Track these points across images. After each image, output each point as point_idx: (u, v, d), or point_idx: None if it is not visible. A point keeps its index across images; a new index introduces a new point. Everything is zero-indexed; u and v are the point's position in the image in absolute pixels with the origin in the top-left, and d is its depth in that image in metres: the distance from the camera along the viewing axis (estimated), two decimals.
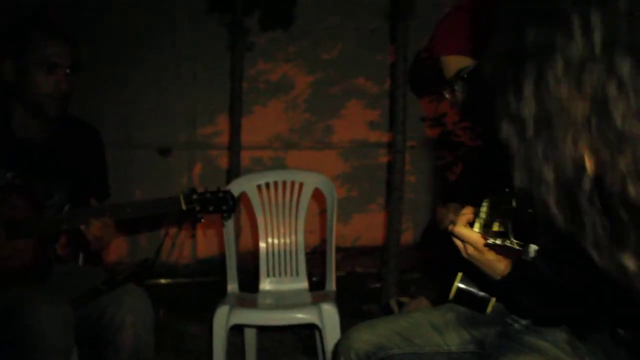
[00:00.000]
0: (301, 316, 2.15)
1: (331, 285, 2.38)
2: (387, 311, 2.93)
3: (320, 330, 2.13)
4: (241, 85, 3.17)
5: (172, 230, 1.81)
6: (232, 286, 2.41)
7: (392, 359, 1.45)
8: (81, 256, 2.19)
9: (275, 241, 2.47)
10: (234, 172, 3.09)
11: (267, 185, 2.48)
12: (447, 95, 1.55)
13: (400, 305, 2.17)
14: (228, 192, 1.92)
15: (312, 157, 4.11)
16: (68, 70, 1.79)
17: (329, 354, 2.07)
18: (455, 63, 1.49)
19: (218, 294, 3.29)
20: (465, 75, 1.47)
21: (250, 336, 2.45)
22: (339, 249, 3.51)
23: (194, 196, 1.86)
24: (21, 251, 1.70)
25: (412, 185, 4.15)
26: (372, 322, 1.57)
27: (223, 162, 4.02)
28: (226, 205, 1.89)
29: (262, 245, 2.47)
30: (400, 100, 3.12)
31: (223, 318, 2.13)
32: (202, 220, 1.84)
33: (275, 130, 4.14)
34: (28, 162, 1.82)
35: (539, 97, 0.66)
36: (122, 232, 1.89)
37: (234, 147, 3.13)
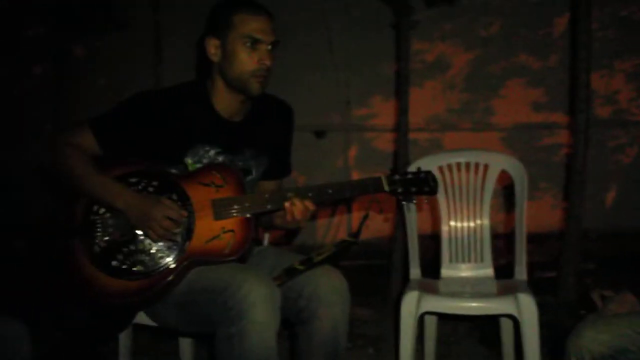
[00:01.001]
0: (496, 306, 2.02)
1: (522, 274, 2.22)
2: (587, 305, 2.73)
3: (498, 321, 1.98)
4: (408, 65, 3.06)
5: (373, 210, 1.77)
6: (415, 271, 2.32)
7: None
8: (267, 237, 2.21)
9: (459, 225, 2.35)
10: (402, 153, 3.00)
11: (449, 166, 2.36)
12: None
13: (603, 299, 1.98)
14: (429, 173, 1.84)
15: (471, 139, 3.94)
16: (270, 47, 1.77)
17: (529, 348, 1.93)
18: None
19: (382, 278, 3.26)
20: None
21: (430, 323, 2.36)
22: (499, 236, 3.34)
23: (396, 177, 1.80)
24: (228, 231, 1.72)
25: None
26: (609, 320, 1.41)
27: (379, 143, 3.96)
28: (428, 187, 1.82)
29: (444, 229, 2.36)
30: (583, 75, 2.87)
31: (412, 305, 2.04)
32: (414, 201, 1.79)
33: (432, 111, 4.00)
34: (230, 139, 1.84)
35: None
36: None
37: (401, 128, 3.03)
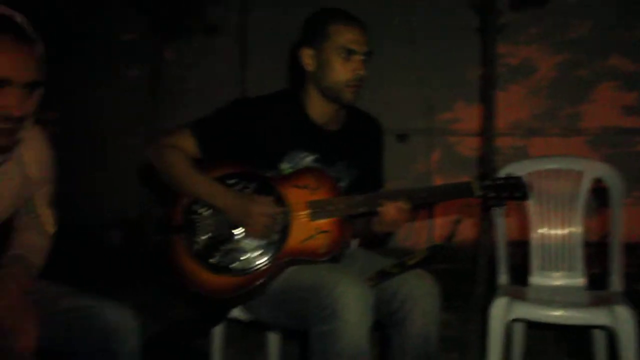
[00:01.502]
0: (591, 317, 1.96)
1: (617, 284, 2.15)
2: None
3: (589, 333, 1.91)
4: (494, 69, 3.02)
5: (464, 214, 1.78)
6: (503, 277, 2.30)
7: None
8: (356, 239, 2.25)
9: (549, 233, 2.30)
10: (487, 159, 2.96)
11: (539, 173, 2.32)
12: None
13: None
14: (520, 179, 1.84)
15: (557, 145, 3.83)
16: (363, 57, 1.81)
17: None
18: None
19: (465, 283, 3.23)
20: None
21: (518, 331, 2.32)
22: (587, 244, 3.22)
23: (487, 182, 1.80)
24: (323, 232, 1.77)
25: None
26: None
27: (462, 148, 3.93)
28: (520, 192, 1.81)
29: (533, 236, 2.32)
30: None
31: (502, 310, 2.02)
32: (505, 206, 1.78)
33: (516, 116, 3.92)
34: (325, 147, 1.90)
35: None
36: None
37: (487, 133, 3.00)
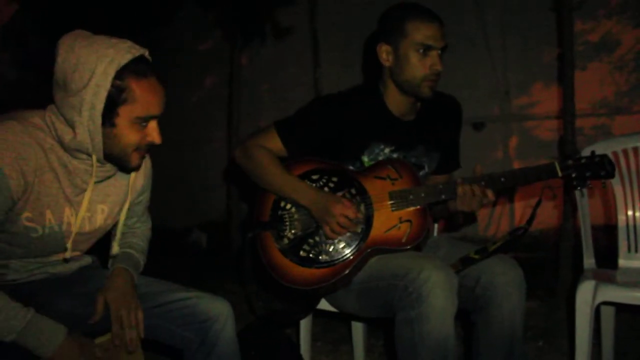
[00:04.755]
0: None
1: None
2: None
3: None
4: (572, 48, 2.94)
5: (545, 197, 1.76)
6: (589, 261, 2.24)
7: None
8: (436, 227, 2.27)
9: (637, 214, 2.23)
10: (568, 140, 2.89)
11: (625, 151, 2.25)
12: None
13: None
14: (605, 157, 1.81)
15: None
16: (440, 52, 1.83)
17: None
18: None
19: (548, 271, 3.17)
20: None
21: (607, 315, 2.27)
22: None
23: (569, 162, 1.79)
24: (406, 221, 1.81)
25: None
26: None
27: (540, 132, 3.83)
28: (604, 171, 1.79)
29: (620, 217, 2.26)
30: None
31: (588, 294, 1.98)
32: (590, 186, 1.76)
33: (599, 95, 3.77)
34: (403, 137, 1.95)
35: None
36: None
37: (567, 114, 2.92)
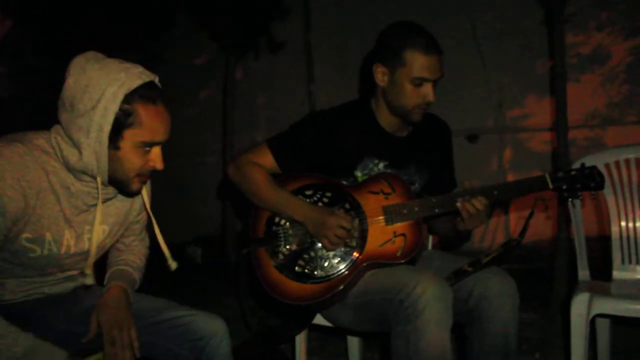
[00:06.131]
0: None
1: None
2: None
3: None
4: (564, 60, 2.97)
5: (538, 209, 1.77)
6: (584, 273, 2.25)
7: None
8: (430, 241, 2.28)
9: (631, 225, 2.24)
10: (561, 152, 2.91)
11: (617, 163, 2.26)
12: None
13: None
14: (594, 169, 1.83)
15: (636, 133, 3.69)
16: (435, 82, 1.84)
17: None
18: None
19: (543, 282, 3.17)
20: None
21: (603, 328, 2.27)
22: None
23: (560, 174, 1.81)
24: (400, 235, 1.82)
25: None
26: None
27: (535, 144, 3.86)
28: (594, 182, 1.81)
29: (614, 229, 2.26)
30: None
31: (583, 306, 1.98)
32: (581, 197, 1.78)
33: (591, 107, 3.81)
34: (397, 153, 1.96)
35: None
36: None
37: (560, 126, 2.94)
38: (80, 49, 1.49)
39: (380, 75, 1.89)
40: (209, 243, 4.58)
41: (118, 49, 1.49)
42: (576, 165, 1.94)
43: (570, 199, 1.83)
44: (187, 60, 4.95)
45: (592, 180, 1.81)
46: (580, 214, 2.28)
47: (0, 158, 1.38)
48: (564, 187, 1.81)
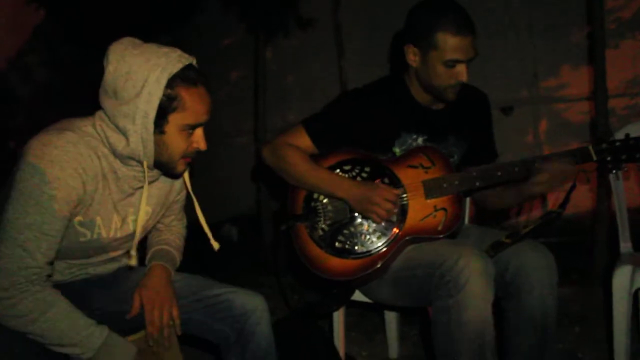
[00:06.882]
0: None
1: None
2: None
3: None
4: (603, 26, 2.87)
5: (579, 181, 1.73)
6: (626, 245, 2.21)
7: None
8: (467, 216, 2.26)
9: None
10: (601, 122, 2.83)
11: None
12: None
13: None
14: (639, 139, 1.76)
15: None
16: (467, 63, 1.80)
17: None
18: None
19: (581, 256, 3.11)
20: None
21: None
22: None
23: (604, 145, 1.77)
24: (440, 209, 1.81)
25: None
26: None
27: (571, 115, 3.77)
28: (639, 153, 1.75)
29: None
30: None
31: (625, 279, 1.95)
32: (625, 169, 1.74)
33: (631, 74, 3.68)
34: (434, 126, 1.93)
35: None
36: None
37: (599, 95, 2.86)
38: (111, 36, 1.49)
39: (412, 55, 1.86)
40: (243, 222, 4.62)
41: (147, 34, 1.49)
42: (620, 135, 1.89)
43: (614, 171, 1.79)
44: (215, 41, 4.95)
45: (638, 150, 1.76)
46: (622, 185, 2.22)
47: (56, 149, 1.41)
48: (608, 158, 1.77)
